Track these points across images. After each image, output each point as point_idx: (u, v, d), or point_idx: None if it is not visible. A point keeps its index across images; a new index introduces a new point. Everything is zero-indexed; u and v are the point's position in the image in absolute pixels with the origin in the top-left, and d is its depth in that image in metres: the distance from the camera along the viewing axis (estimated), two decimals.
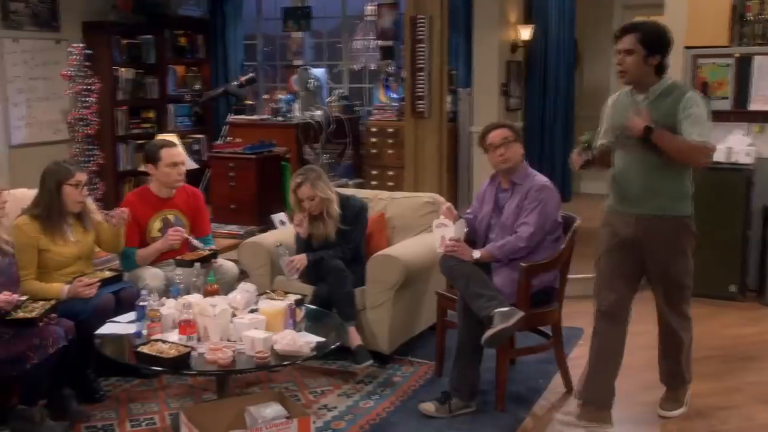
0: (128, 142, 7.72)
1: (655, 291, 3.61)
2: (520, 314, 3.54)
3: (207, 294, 3.61)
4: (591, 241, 3.83)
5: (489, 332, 3.48)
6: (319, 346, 3.37)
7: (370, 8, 8.33)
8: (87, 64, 6.86)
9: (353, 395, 3.92)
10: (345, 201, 4.46)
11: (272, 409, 3.23)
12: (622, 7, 8.95)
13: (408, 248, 4.35)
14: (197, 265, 3.91)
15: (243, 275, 4.55)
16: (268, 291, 3.93)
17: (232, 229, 5.77)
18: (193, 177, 7.93)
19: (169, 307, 3.44)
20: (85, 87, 6.86)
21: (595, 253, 3.65)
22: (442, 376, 4.07)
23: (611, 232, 3.55)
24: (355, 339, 4.12)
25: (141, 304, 3.45)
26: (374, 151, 7.73)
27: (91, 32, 7.47)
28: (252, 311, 3.54)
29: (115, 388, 3.97)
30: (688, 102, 3.31)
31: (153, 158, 4.32)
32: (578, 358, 4.47)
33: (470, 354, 3.71)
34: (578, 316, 5.11)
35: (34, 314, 3.40)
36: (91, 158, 6.98)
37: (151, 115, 8.12)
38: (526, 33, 7.71)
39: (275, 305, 3.49)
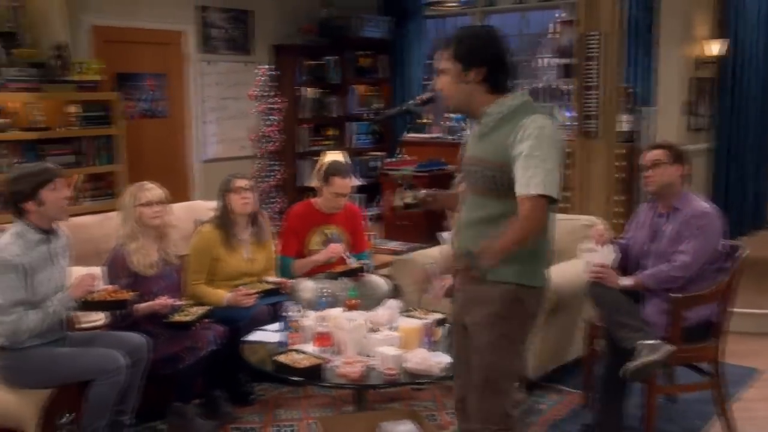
0: (308, 159, 8.09)
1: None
2: (669, 348, 3.31)
3: (348, 308, 3.70)
4: None
5: (631, 365, 3.28)
6: (451, 368, 3.34)
7: (553, 26, 8.17)
8: (273, 84, 7.27)
9: None
10: None
11: (405, 427, 3.24)
12: None
13: (559, 272, 4.18)
14: (343, 278, 4.01)
15: (396, 292, 4.61)
16: (412, 308, 3.96)
17: (395, 245, 5.85)
18: (369, 192, 8.21)
19: (310, 319, 3.55)
20: (269, 106, 7.27)
21: None
22: (590, 408, 3.88)
23: (453, 300, 2.79)
24: None
25: (284, 314, 3.59)
26: None
27: (278, 54, 7.94)
28: (393, 328, 3.58)
29: (266, 393, 4.16)
30: (524, 131, 2.38)
31: (324, 180, 4.50)
32: (750, 401, 4.12)
33: (615, 387, 3.52)
34: (753, 354, 4.71)
35: (188, 319, 3.65)
36: (273, 173, 7.38)
37: (332, 132, 8.45)
38: (715, 48, 7.21)
39: (411, 323, 3.51)
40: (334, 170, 4.48)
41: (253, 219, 4.18)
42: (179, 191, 6.88)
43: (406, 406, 3.98)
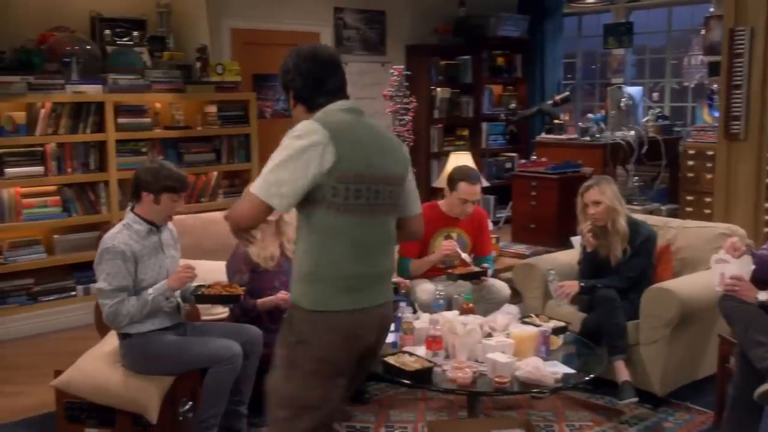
0: (441, 159, 8.06)
1: None
2: None
3: (463, 312, 3.65)
4: None
5: (764, 387, 3.04)
6: (566, 378, 3.23)
7: (704, 21, 7.73)
8: (406, 84, 7.29)
9: None
10: (633, 226, 4.22)
11: None
12: None
13: (689, 283, 3.96)
14: (460, 281, 3.95)
15: (517, 297, 4.52)
16: (531, 315, 3.86)
17: (521, 249, 5.72)
18: (501, 194, 8.09)
19: (423, 321, 3.52)
20: (402, 106, 7.29)
21: None
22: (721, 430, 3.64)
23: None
24: (622, 374, 3.86)
25: (398, 315, 3.58)
26: (691, 175, 7.16)
27: (412, 55, 7.97)
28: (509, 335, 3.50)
29: (382, 392, 4.17)
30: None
31: (451, 184, 4.44)
32: None
33: (746, 409, 3.27)
34: None
35: None
36: None
37: (465, 133, 8.39)
38: None
39: (525, 330, 3.41)
40: (461, 175, 4.40)
41: None
42: None
43: (523, 415, 3.88)
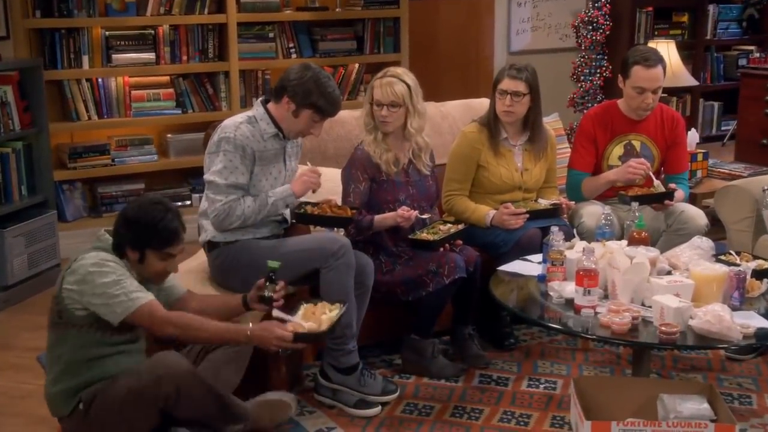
0: None
1: None
2: None
3: (632, 242, 3.46)
4: None
5: None
6: (763, 334, 2.99)
7: None
8: None
9: None
10: None
11: (693, 405, 3.04)
12: None
13: None
14: (635, 204, 3.73)
15: (719, 230, 4.25)
16: (731, 252, 3.60)
17: (738, 168, 5.32)
18: (727, 99, 7.59)
19: (578, 251, 3.37)
20: None
21: None
22: None
23: None
24: None
25: (546, 241, 3.45)
26: None
27: None
28: None
29: (532, 338, 4.10)
30: None
31: (624, 70, 4.20)
32: None
33: None
34: None
35: (435, 237, 3.65)
36: (597, 69, 7.06)
37: (684, 18, 7.85)
38: None
39: (709, 269, 3.18)
40: (637, 57, 4.11)
41: (529, 121, 4.02)
42: (478, 86, 6.86)
43: (712, 379, 3.66)
